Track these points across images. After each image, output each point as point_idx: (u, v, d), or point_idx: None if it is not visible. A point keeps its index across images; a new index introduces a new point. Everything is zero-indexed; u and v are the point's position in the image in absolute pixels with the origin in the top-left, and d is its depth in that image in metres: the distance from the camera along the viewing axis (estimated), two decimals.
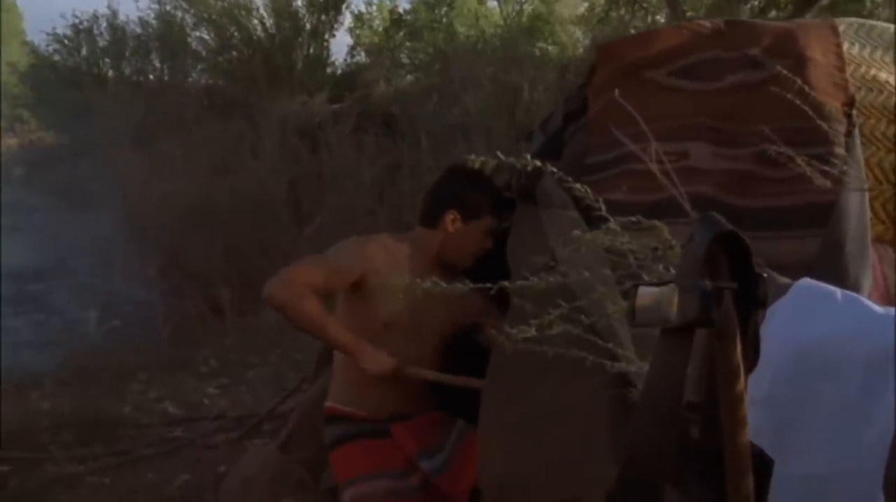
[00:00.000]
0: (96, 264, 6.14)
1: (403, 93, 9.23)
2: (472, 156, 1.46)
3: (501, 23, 11.27)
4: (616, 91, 1.88)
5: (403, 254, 2.31)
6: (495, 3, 13.46)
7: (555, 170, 1.52)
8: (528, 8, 12.44)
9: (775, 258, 1.88)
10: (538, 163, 1.47)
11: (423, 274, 2.26)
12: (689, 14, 8.79)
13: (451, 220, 2.32)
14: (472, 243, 2.33)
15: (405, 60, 10.91)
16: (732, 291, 0.86)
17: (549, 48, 10.00)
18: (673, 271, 1.42)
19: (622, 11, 9.85)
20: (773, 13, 8.64)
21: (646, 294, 0.89)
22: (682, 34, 2.25)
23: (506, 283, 1.51)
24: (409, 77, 10.43)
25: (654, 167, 1.87)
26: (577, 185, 1.48)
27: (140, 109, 9.85)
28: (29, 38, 18.88)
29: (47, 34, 12.38)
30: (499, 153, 1.46)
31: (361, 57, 11.04)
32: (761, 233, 1.95)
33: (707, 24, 2.29)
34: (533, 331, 1.39)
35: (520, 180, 2.17)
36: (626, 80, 2.23)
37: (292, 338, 4.38)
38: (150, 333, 4.47)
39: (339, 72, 10.38)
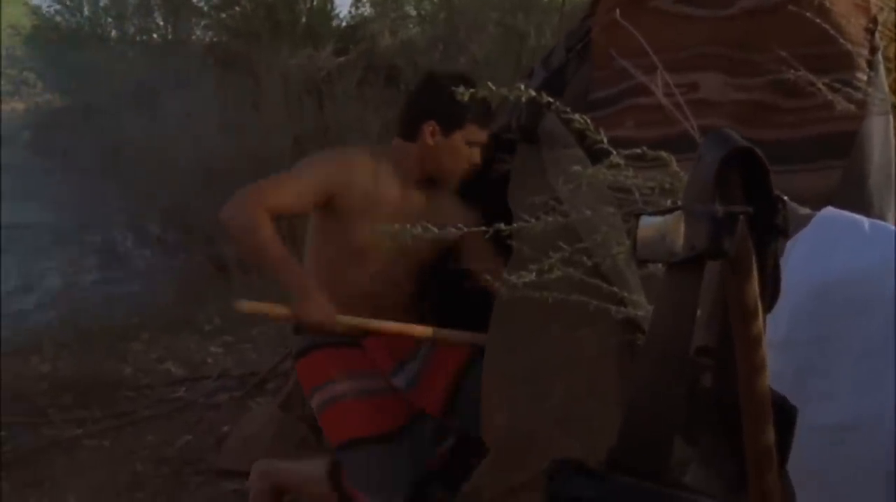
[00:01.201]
0: (100, 224, 6.08)
1: (409, 43, 9.07)
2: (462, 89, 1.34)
3: None
4: (618, 12, 1.76)
5: (381, 170, 2.16)
6: None
7: (553, 101, 1.41)
8: None
9: (793, 193, 1.77)
10: (535, 94, 1.36)
11: (402, 191, 2.16)
12: None
13: (430, 132, 2.16)
14: (455, 156, 2.16)
15: (411, 12, 10.72)
16: (747, 217, 0.75)
17: None
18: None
19: None
20: None
21: (648, 225, 0.78)
22: None
23: (502, 225, 1.40)
24: (414, 28, 10.25)
25: (662, 99, 1.75)
26: (578, 116, 1.36)
27: (143, 68, 9.75)
28: (31, 0, 18.70)
29: None
30: (491, 84, 1.35)
31: (366, 8, 10.85)
32: (777, 166, 1.82)
33: None
34: (532, 276, 1.29)
35: (520, 120, 2.06)
36: (631, 9, 2.09)
37: None
38: (154, 292, 4.41)
39: (343, 24, 10.20)
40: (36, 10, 13.81)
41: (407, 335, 2.16)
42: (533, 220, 1.36)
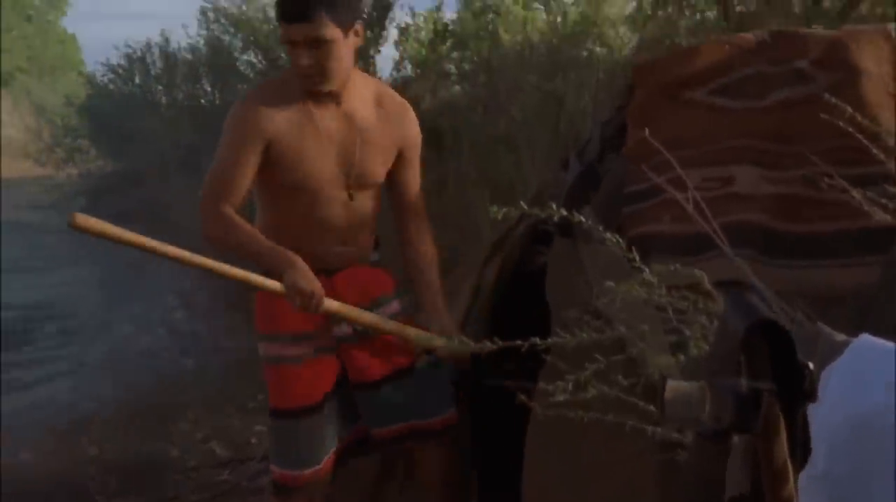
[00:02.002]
0: (147, 292, 6.20)
1: (449, 105, 9.19)
2: (494, 208, 1.37)
3: (547, 28, 11.14)
4: (648, 102, 1.78)
5: (284, 100, 2.10)
6: (541, 8, 13.35)
7: (583, 219, 1.42)
8: (573, 10, 12.29)
9: (830, 288, 1.76)
10: (565, 212, 1.38)
11: (303, 111, 2.09)
12: (738, 9, 8.55)
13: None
14: (291, 65, 2.08)
15: (452, 70, 10.87)
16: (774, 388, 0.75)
17: (597, 49, 9.85)
18: (715, 325, 1.31)
19: (670, 10, 9.65)
20: (827, 2, 8.35)
21: (674, 388, 0.78)
22: (724, 49, 2.13)
23: (538, 340, 1.42)
24: (455, 88, 10.38)
25: (696, 195, 1.76)
26: (609, 235, 1.37)
27: (191, 133, 10.04)
28: (86, 70, 19.44)
29: (103, 64, 12.69)
30: (523, 204, 1.37)
31: (407, 70, 11.04)
32: (814, 261, 1.82)
33: (751, 36, 2.17)
34: (567, 395, 1.30)
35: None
36: (666, 100, 2.12)
37: None
38: (202, 366, 4.48)
39: None
40: (90, 80, 14.35)
41: (400, 337, 2.17)
42: (570, 335, 1.37)
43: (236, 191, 2.07)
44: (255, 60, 11.08)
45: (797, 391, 0.78)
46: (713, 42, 2.24)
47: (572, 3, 12.98)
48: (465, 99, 9.10)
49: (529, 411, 1.67)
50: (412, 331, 2.18)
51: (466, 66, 10.41)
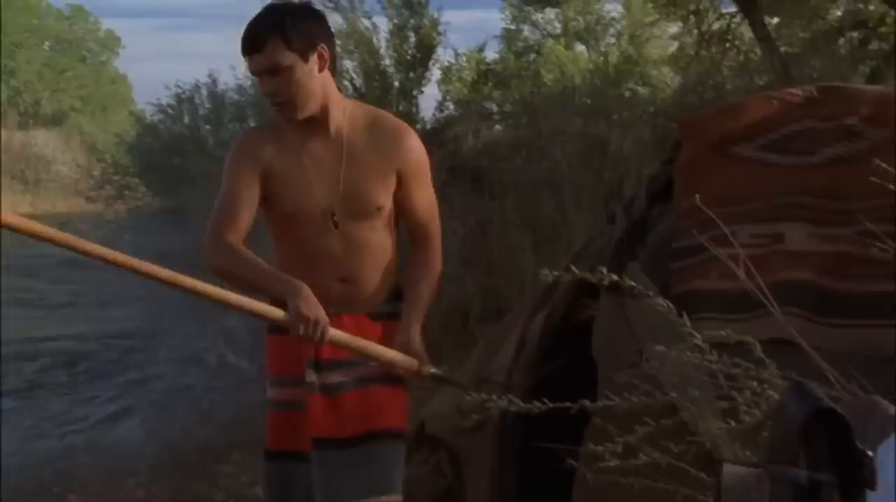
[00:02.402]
0: (190, 333, 6.27)
1: (491, 146, 9.22)
2: (545, 271, 1.38)
3: (589, 67, 11.18)
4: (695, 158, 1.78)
5: (276, 131, 2.09)
6: (583, 48, 13.41)
7: (631, 281, 1.43)
8: (616, 50, 12.34)
9: (879, 348, 1.73)
10: (615, 277, 1.38)
11: (292, 139, 2.06)
12: (784, 50, 8.51)
13: None
14: None
15: (493, 108, 10.94)
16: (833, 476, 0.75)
17: (640, 90, 9.87)
18: (767, 392, 1.30)
19: (713, 50, 9.64)
20: (874, 44, 8.28)
21: (732, 474, 0.78)
22: (772, 104, 2.13)
23: (587, 402, 1.42)
24: (497, 128, 10.44)
25: (744, 253, 1.74)
26: (661, 301, 1.37)
27: None
28: (136, 108, 19.96)
29: (152, 104, 13.02)
30: (574, 268, 1.38)
31: (450, 110, 11.13)
32: (864, 320, 1.80)
33: (798, 91, 2.16)
34: (617, 460, 1.29)
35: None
36: (713, 156, 2.12)
37: None
38: (248, 406, 4.49)
39: (427, 127, 10.49)
40: (140, 119, 14.73)
41: (400, 368, 2.07)
42: (618, 399, 1.37)
43: (238, 221, 2.05)
44: None
45: (856, 480, 0.77)
46: (761, 97, 2.24)
47: (614, 44, 13.02)
48: (508, 140, 9.16)
49: (574, 472, 1.66)
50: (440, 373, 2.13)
51: (508, 107, 10.49)
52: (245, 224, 2.06)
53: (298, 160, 2.07)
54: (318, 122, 2.05)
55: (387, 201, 2.11)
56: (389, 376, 2.13)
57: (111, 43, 27.72)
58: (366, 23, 10.39)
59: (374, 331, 2.13)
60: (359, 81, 10.52)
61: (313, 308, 1.94)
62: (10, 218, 1.88)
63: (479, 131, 9.76)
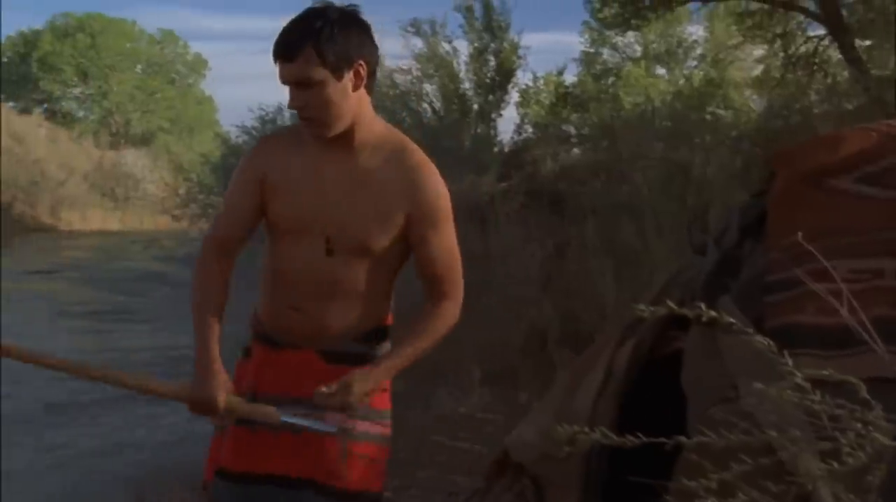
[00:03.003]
0: None
1: (570, 169, 9.18)
2: (641, 306, 1.38)
3: (669, 91, 11.07)
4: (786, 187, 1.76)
5: (291, 138, 1.97)
6: (663, 71, 13.30)
7: (725, 314, 1.41)
8: (697, 73, 12.19)
9: None
10: (713, 313, 1.37)
11: (306, 150, 1.92)
12: (873, 72, 8.27)
13: None
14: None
15: (571, 131, 10.91)
16: None
17: (723, 113, 9.72)
18: (872, 434, 1.27)
19: (800, 73, 9.44)
20: None
21: None
22: (870, 137, 2.08)
23: (683, 438, 1.40)
24: (574, 151, 10.41)
25: (843, 288, 1.71)
26: (760, 338, 1.36)
27: None
28: (221, 129, 20.57)
29: (237, 126, 13.39)
30: (661, 299, 1.38)
31: (528, 133, 11.15)
32: None
33: None
34: (713, 499, 1.28)
35: (693, 300, 2.05)
36: (809, 188, 2.08)
37: (463, 435, 4.34)
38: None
39: (506, 150, 10.53)
40: (225, 140, 15.17)
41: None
42: (714, 436, 1.35)
43: (233, 227, 1.96)
44: None
45: None
46: (858, 129, 2.19)
47: (696, 67, 12.86)
48: (586, 163, 9.12)
49: None
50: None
51: (587, 130, 10.45)
52: (239, 228, 1.96)
53: (303, 169, 1.93)
54: (341, 141, 1.89)
55: (377, 241, 1.92)
56: (369, 433, 1.97)
57: (198, 66, 28.67)
58: (446, 46, 10.53)
59: (325, 371, 1.94)
60: (438, 104, 10.65)
61: (207, 390, 1.85)
62: (12, 348, 1.90)
63: (557, 154, 9.75)
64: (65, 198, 17.93)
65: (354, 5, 1.91)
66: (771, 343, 1.37)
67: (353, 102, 1.85)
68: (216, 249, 1.96)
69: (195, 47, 28.54)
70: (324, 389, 1.86)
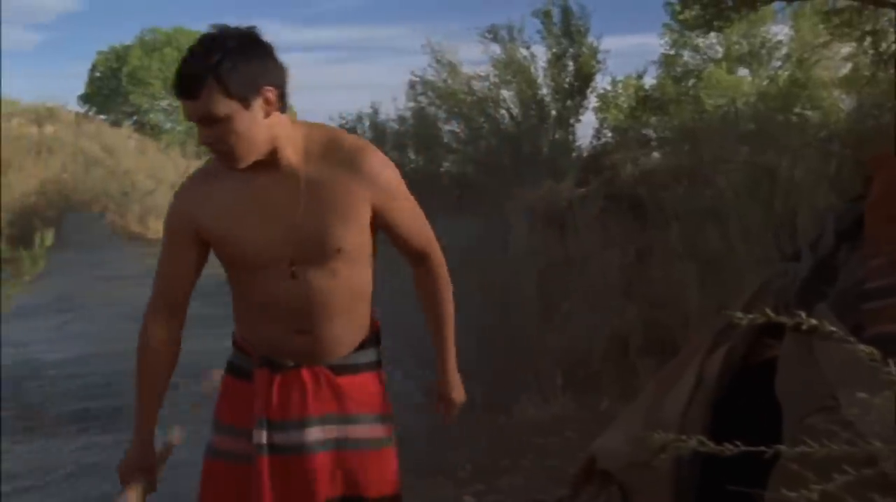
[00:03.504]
0: None
1: (650, 173, 9.06)
2: (738, 314, 1.37)
3: (753, 92, 10.83)
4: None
5: (214, 175, 1.86)
6: (746, 72, 13.00)
7: (822, 321, 1.39)
8: (782, 74, 11.88)
9: None
10: (813, 321, 1.35)
11: (238, 180, 1.82)
12: None
13: None
14: None
15: (651, 135, 10.77)
16: None
17: (809, 114, 9.46)
18: None
19: (891, 71, 9.12)
20: None
21: None
22: None
23: (782, 447, 1.38)
24: (654, 155, 10.27)
25: None
26: (863, 348, 1.33)
27: None
28: None
29: None
30: (754, 305, 1.36)
31: (608, 137, 11.06)
32: None
33: None
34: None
35: (787, 308, 2.01)
36: None
37: (545, 441, 4.33)
38: (406, 432, 4.57)
39: (584, 155, 10.46)
40: None
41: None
42: (816, 446, 1.33)
43: (172, 292, 1.91)
44: (457, 130, 11.56)
45: None
46: None
47: (781, 67, 12.52)
48: (667, 167, 8.98)
49: None
50: None
51: (667, 134, 10.30)
52: (180, 291, 1.91)
53: (244, 201, 1.83)
54: (268, 162, 1.80)
55: (349, 241, 1.85)
56: (371, 438, 1.96)
57: None
58: (524, 52, 10.53)
59: (338, 384, 1.94)
60: (516, 110, 10.66)
61: (129, 464, 1.89)
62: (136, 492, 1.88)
63: (637, 158, 9.63)
64: (153, 208, 18.50)
65: (252, 27, 1.78)
66: (874, 351, 1.34)
67: (265, 129, 1.76)
68: (164, 315, 1.92)
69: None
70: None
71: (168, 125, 26.53)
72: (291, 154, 1.81)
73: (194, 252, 1.88)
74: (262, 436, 1.88)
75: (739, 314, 1.36)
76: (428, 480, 3.72)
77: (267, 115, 1.75)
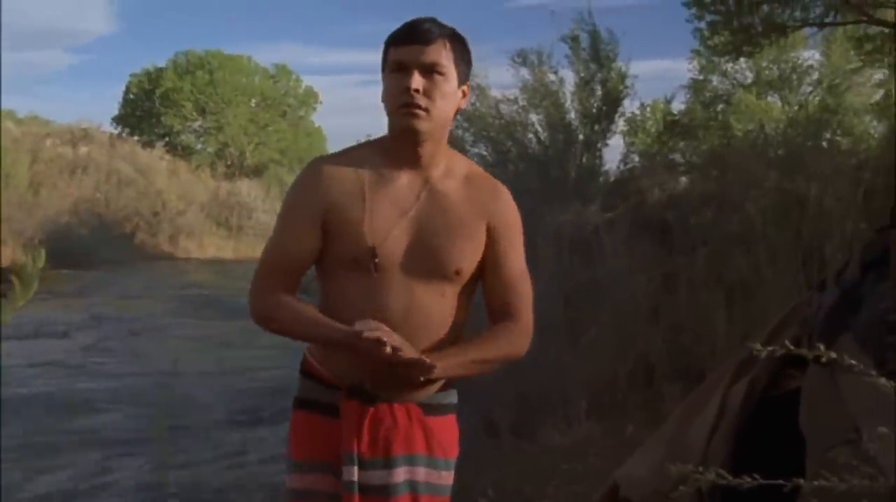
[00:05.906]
0: None
1: (678, 198, 9.03)
2: (757, 346, 1.37)
3: (783, 118, 10.76)
4: None
5: (352, 162, 1.81)
6: (776, 98, 12.93)
7: (845, 355, 1.38)
8: (813, 100, 11.80)
9: None
10: (833, 355, 1.35)
11: (374, 173, 1.78)
12: None
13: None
14: (388, 98, 1.78)
15: (679, 160, 10.74)
16: None
17: (841, 140, 9.39)
18: None
19: None
20: None
21: None
22: None
23: (801, 481, 1.38)
24: (682, 180, 10.23)
25: None
26: (884, 381, 1.32)
27: None
28: None
29: None
30: (778, 336, 1.36)
31: (635, 162, 11.02)
32: None
33: None
34: None
35: (811, 339, 2.01)
36: None
37: (570, 467, 4.31)
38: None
39: (611, 180, 10.43)
40: None
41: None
42: (836, 481, 1.32)
43: (289, 269, 1.79)
44: (485, 153, 11.58)
45: None
46: None
47: (811, 92, 12.47)
48: (695, 193, 8.93)
49: None
50: None
51: (695, 159, 10.25)
52: (297, 270, 1.81)
53: (380, 197, 1.78)
54: (414, 158, 1.79)
55: (468, 265, 1.79)
56: (446, 484, 1.86)
57: (310, 99, 29.57)
58: (552, 76, 10.55)
59: (429, 426, 1.83)
60: (543, 134, 10.66)
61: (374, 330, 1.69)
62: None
63: (664, 183, 9.59)
64: (183, 227, 18.71)
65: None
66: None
67: (452, 115, 1.80)
68: (276, 298, 1.79)
69: (306, 80, 29.41)
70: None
71: (199, 146, 26.87)
72: (437, 162, 1.82)
73: (317, 231, 1.78)
74: (353, 473, 1.76)
75: (758, 346, 1.36)
76: None
77: (457, 106, 1.81)
